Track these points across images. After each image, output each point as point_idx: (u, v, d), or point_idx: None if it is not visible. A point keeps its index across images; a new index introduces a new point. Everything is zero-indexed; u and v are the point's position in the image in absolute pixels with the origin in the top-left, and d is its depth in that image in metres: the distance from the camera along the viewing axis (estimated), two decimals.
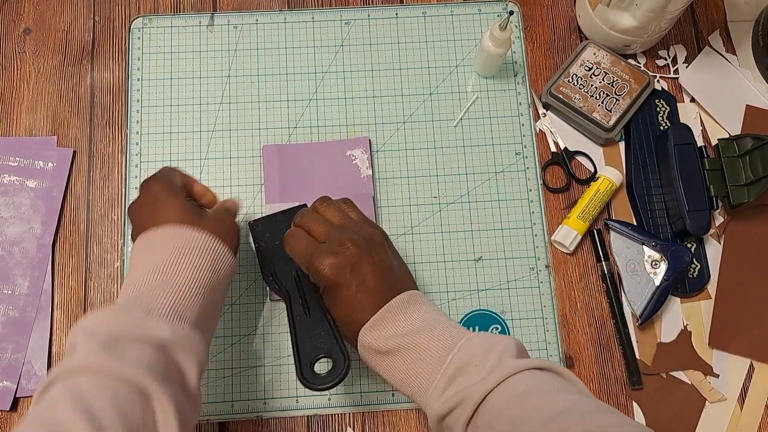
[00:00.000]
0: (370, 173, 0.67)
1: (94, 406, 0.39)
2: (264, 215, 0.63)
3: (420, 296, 0.53)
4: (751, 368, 0.64)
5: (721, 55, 0.73)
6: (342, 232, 0.53)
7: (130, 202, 0.58)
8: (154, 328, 0.45)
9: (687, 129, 0.67)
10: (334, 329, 0.54)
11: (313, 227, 0.54)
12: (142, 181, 0.57)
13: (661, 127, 0.69)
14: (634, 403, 0.62)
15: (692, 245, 0.66)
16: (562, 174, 0.69)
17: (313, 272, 0.52)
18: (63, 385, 0.41)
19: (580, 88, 0.68)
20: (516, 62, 0.72)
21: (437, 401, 0.47)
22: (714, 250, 0.67)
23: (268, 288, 0.64)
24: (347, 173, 0.67)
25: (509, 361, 0.46)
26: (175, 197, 0.54)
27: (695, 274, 0.66)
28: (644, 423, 0.62)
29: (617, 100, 0.68)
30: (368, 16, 0.73)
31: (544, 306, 0.65)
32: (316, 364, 0.53)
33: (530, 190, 0.68)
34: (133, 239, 0.54)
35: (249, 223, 0.62)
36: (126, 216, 0.66)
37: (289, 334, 0.56)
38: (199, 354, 0.47)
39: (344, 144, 0.68)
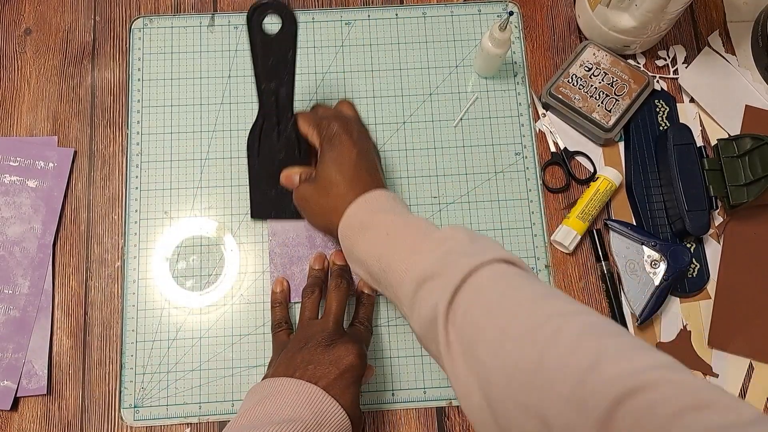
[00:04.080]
0: None
1: None
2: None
3: (395, 196, 0.57)
4: (751, 368, 0.64)
5: (720, 55, 0.73)
6: (349, 119, 0.60)
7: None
8: None
9: (686, 129, 0.67)
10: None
11: (325, 110, 0.62)
12: (339, 330, 0.57)
13: (661, 128, 0.69)
14: None
15: (692, 245, 0.66)
16: (561, 174, 0.69)
17: (323, 126, 0.58)
18: None
19: (579, 89, 0.68)
20: (516, 62, 0.72)
21: (430, 256, 0.47)
22: (713, 250, 0.67)
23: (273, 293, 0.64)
24: None
25: (500, 249, 0.49)
26: (356, 385, 0.54)
27: (694, 274, 0.66)
28: None
29: (617, 100, 0.68)
30: (368, 16, 0.73)
31: None
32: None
33: (530, 190, 0.68)
34: (286, 371, 0.53)
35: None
36: (126, 215, 0.66)
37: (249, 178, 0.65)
38: None
39: None
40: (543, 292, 0.43)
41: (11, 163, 0.67)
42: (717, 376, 0.63)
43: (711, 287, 0.66)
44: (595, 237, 0.66)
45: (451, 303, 0.44)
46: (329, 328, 0.56)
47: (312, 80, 0.71)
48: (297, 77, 0.70)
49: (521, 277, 0.45)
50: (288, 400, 0.49)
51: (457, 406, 0.62)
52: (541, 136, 0.70)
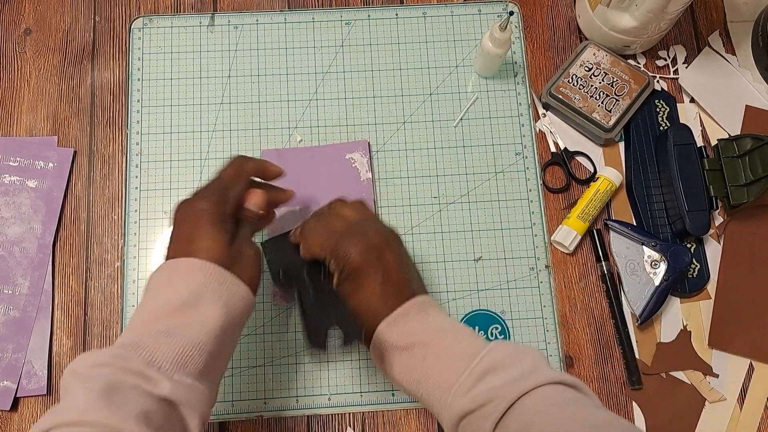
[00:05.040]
0: (370, 176, 0.67)
1: None
2: (275, 236, 0.61)
3: (435, 302, 0.52)
4: (751, 368, 0.64)
5: (720, 55, 0.73)
6: (364, 224, 0.53)
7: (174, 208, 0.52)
8: (154, 382, 0.42)
9: (687, 129, 0.67)
10: (344, 311, 0.54)
11: (332, 221, 0.55)
12: (196, 190, 0.52)
13: (661, 128, 0.69)
14: (633, 403, 0.62)
15: (692, 245, 0.66)
16: (561, 174, 0.69)
17: (339, 258, 0.51)
18: None
19: (580, 89, 0.68)
20: (516, 62, 0.72)
21: (463, 398, 0.45)
22: (713, 250, 0.67)
23: (274, 294, 0.63)
24: (347, 177, 0.67)
25: (545, 368, 0.46)
26: (213, 225, 0.49)
27: (695, 274, 0.66)
28: (644, 423, 0.62)
29: (617, 100, 0.68)
30: (368, 16, 0.73)
31: (544, 306, 0.65)
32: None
33: (530, 190, 0.68)
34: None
35: (261, 244, 0.59)
36: (126, 215, 0.66)
37: (300, 316, 0.57)
38: (203, 406, 0.44)
39: (344, 147, 0.68)
40: (597, 422, 0.41)
41: (11, 163, 0.67)
42: (717, 376, 0.63)
43: (711, 287, 0.66)
44: (595, 237, 0.66)
45: (498, 424, 0.43)
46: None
47: (312, 80, 0.71)
48: (297, 76, 0.71)
49: (574, 404, 0.43)
50: (157, 288, 0.47)
51: None
52: (541, 136, 0.70)
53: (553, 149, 0.69)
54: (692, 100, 0.71)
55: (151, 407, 0.41)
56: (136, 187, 0.67)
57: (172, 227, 0.51)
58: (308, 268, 0.57)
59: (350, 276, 0.51)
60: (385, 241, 0.52)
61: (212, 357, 0.45)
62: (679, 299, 0.65)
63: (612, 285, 0.65)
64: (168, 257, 0.49)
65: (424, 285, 0.55)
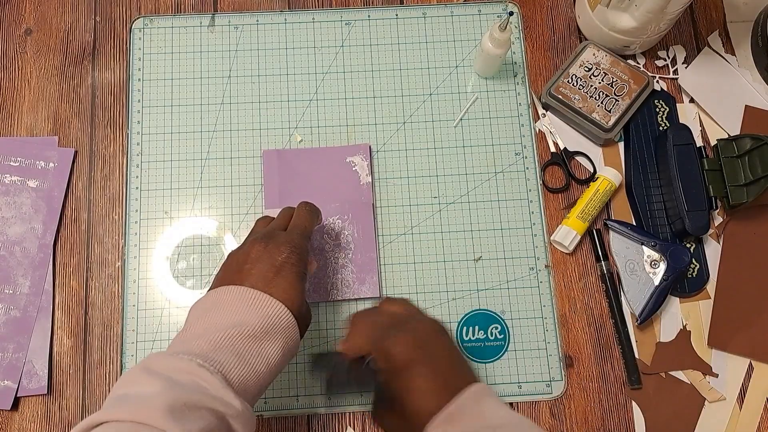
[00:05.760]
0: (370, 180, 0.67)
1: None
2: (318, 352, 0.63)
3: (490, 389, 0.50)
4: (750, 368, 0.64)
5: (720, 55, 0.73)
6: (409, 318, 0.53)
7: (237, 247, 0.55)
8: (226, 400, 0.44)
9: (686, 129, 0.67)
10: None
11: (379, 317, 0.54)
12: (274, 232, 0.54)
13: (661, 128, 0.70)
14: (633, 402, 0.63)
15: (691, 245, 0.66)
16: (561, 174, 0.69)
17: (384, 353, 0.50)
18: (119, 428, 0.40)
19: (579, 89, 0.68)
20: (516, 63, 0.72)
21: None
22: (713, 250, 0.67)
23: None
24: (347, 180, 0.67)
25: None
26: (298, 280, 0.52)
27: (694, 274, 0.66)
28: (643, 423, 0.62)
29: (616, 100, 0.68)
30: (368, 16, 0.73)
31: (544, 306, 0.65)
32: None
33: (530, 190, 0.68)
34: (223, 279, 0.52)
35: (312, 355, 0.63)
36: (126, 215, 0.66)
37: None
38: (252, 429, 0.47)
39: (344, 150, 0.68)
40: None
41: (12, 163, 0.67)
42: (717, 376, 0.63)
43: (711, 287, 0.66)
44: (594, 237, 0.66)
45: None
46: (270, 227, 0.55)
47: (312, 80, 0.71)
48: (297, 77, 0.71)
49: None
50: (232, 308, 0.49)
51: None
52: (541, 136, 0.70)
53: (552, 149, 0.70)
54: (692, 100, 0.71)
55: (215, 425, 0.43)
56: (137, 187, 0.67)
57: (243, 255, 0.52)
58: (355, 374, 0.55)
59: (397, 372, 0.49)
60: (433, 332, 0.52)
61: (261, 389, 0.49)
62: (678, 299, 0.65)
63: (611, 285, 0.65)
64: (232, 280, 0.51)
65: (474, 372, 0.54)
